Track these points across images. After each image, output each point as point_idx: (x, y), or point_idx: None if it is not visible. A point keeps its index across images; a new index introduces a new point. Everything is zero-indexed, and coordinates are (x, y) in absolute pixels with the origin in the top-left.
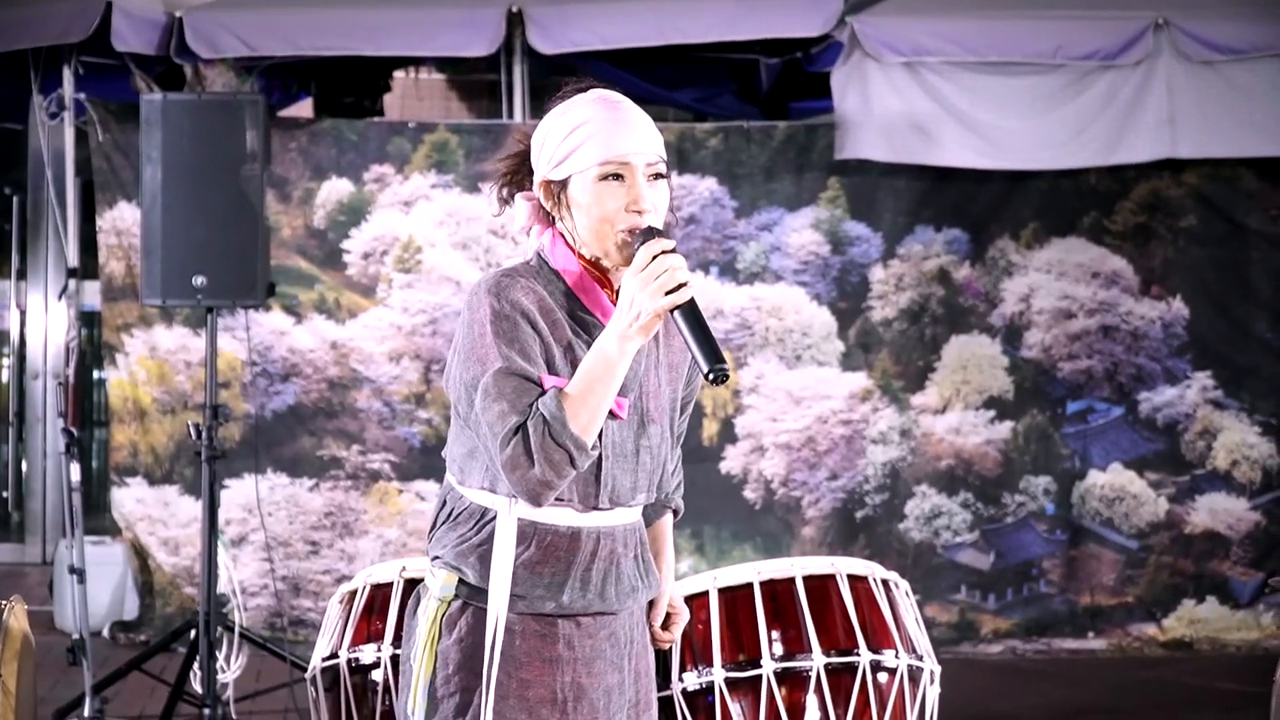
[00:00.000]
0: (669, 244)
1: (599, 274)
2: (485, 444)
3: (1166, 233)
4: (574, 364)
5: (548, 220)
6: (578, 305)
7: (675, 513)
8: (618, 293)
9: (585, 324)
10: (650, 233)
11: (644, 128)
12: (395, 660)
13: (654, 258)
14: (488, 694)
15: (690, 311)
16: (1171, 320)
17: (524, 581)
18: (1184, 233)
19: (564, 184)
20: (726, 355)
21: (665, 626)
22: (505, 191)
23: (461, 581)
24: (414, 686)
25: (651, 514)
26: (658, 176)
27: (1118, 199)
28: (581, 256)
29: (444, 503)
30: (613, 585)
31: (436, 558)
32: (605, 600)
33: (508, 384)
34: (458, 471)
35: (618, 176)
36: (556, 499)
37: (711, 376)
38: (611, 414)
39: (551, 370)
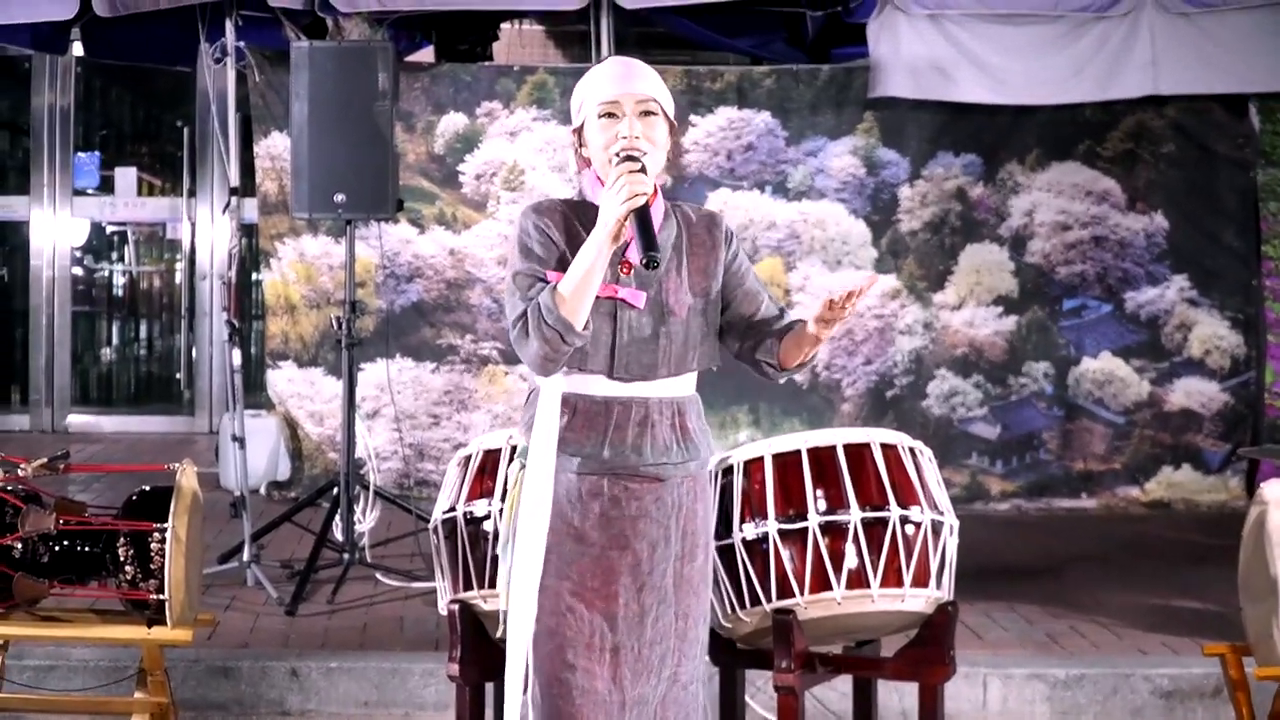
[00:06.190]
0: (634, 165)
1: None
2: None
3: (1149, 158)
4: None
5: (586, 163)
6: None
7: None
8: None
9: None
10: (625, 156)
11: (637, 76)
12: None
13: (619, 177)
14: (513, 540)
15: (641, 215)
16: (1153, 231)
17: (571, 444)
18: (1164, 158)
19: (581, 130)
20: (775, 261)
21: (828, 319)
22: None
23: (527, 449)
24: (503, 533)
25: (782, 330)
26: (647, 114)
27: (1108, 129)
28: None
29: (529, 389)
30: (647, 446)
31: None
32: (641, 457)
33: (521, 282)
34: None
35: (611, 115)
36: (587, 369)
37: (644, 261)
38: (629, 304)
39: None
